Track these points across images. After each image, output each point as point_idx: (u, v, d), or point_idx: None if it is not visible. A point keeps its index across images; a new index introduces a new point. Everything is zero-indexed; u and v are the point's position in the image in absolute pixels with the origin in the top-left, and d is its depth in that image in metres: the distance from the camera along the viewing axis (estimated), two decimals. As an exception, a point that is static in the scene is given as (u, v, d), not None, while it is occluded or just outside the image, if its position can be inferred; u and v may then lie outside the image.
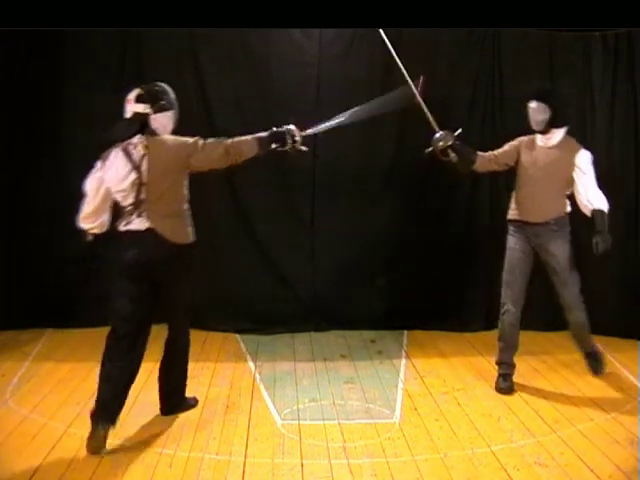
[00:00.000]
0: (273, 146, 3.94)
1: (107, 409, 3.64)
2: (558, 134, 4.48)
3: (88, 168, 5.60)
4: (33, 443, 3.62)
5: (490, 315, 6.00)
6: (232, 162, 3.83)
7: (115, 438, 3.69)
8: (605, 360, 4.86)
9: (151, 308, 3.75)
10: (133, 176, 3.63)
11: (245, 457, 3.54)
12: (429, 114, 4.66)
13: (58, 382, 4.52)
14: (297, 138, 3.97)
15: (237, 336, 5.68)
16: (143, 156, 3.63)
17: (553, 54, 5.84)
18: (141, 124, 3.68)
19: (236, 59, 5.72)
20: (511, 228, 4.66)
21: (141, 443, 3.66)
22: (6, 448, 3.57)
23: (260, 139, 3.88)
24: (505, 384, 4.54)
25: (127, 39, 5.64)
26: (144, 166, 3.62)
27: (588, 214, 4.41)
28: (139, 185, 3.63)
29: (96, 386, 4.42)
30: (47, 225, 5.68)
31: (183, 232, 3.75)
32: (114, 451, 3.56)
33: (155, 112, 3.70)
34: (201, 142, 3.73)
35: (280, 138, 3.93)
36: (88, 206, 3.81)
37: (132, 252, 3.65)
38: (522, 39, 5.82)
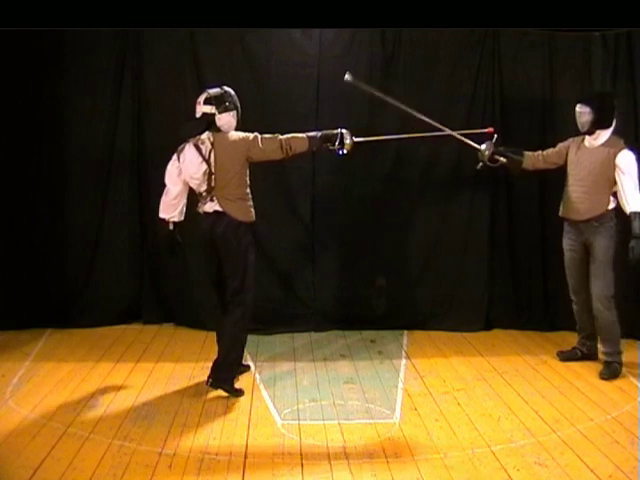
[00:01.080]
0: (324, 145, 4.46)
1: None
2: (604, 135, 4.67)
3: (88, 168, 5.74)
4: (33, 443, 3.62)
5: (490, 315, 6.02)
6: (285, 156, 4.38)
7: (115, 438, 3.70)
8: (617, 373, 4.78)
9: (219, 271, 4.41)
10: (204, 167, 4.27)
11: (245, 457, 3.54)
12: (468, 141, 5.13)
13: (58, 382, 4.52)
14: (347, 141, 4.47)
15: (237, 336, 5.67)
16: (210, 150, 4.26)
17: (553, 54, 5.83)
18: (208, 123, 4.28)
19: (236, 59, 5.72)
20: (564, 225, 4.93)
21: (141, 443, 3.66)
22: (6, 448, 3.56)
23: (311, 138, 4.41)
24: (568, 354, 5.11)
25: (127, 39, 5.65)
26: (212, 159, 4.25)
27: (626, 211, 4.59)
28: (209, 175, 4.28)
29: (96, 386, 4.47)
30: (47, 225, 5.68)
31: (247, 212, 4.34)
32: (114, 451, 3.56)
33: (220, 112, 4.28)
34: (259, 137, 4.31)
35: (330, 139, 4.44)
36: (168, 195, 4.45)
37: (206, 229, 4.32)
38: (522, 39, 5.82)
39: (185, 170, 4.32)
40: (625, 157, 4.58)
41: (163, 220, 4.49)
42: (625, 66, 5.70)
